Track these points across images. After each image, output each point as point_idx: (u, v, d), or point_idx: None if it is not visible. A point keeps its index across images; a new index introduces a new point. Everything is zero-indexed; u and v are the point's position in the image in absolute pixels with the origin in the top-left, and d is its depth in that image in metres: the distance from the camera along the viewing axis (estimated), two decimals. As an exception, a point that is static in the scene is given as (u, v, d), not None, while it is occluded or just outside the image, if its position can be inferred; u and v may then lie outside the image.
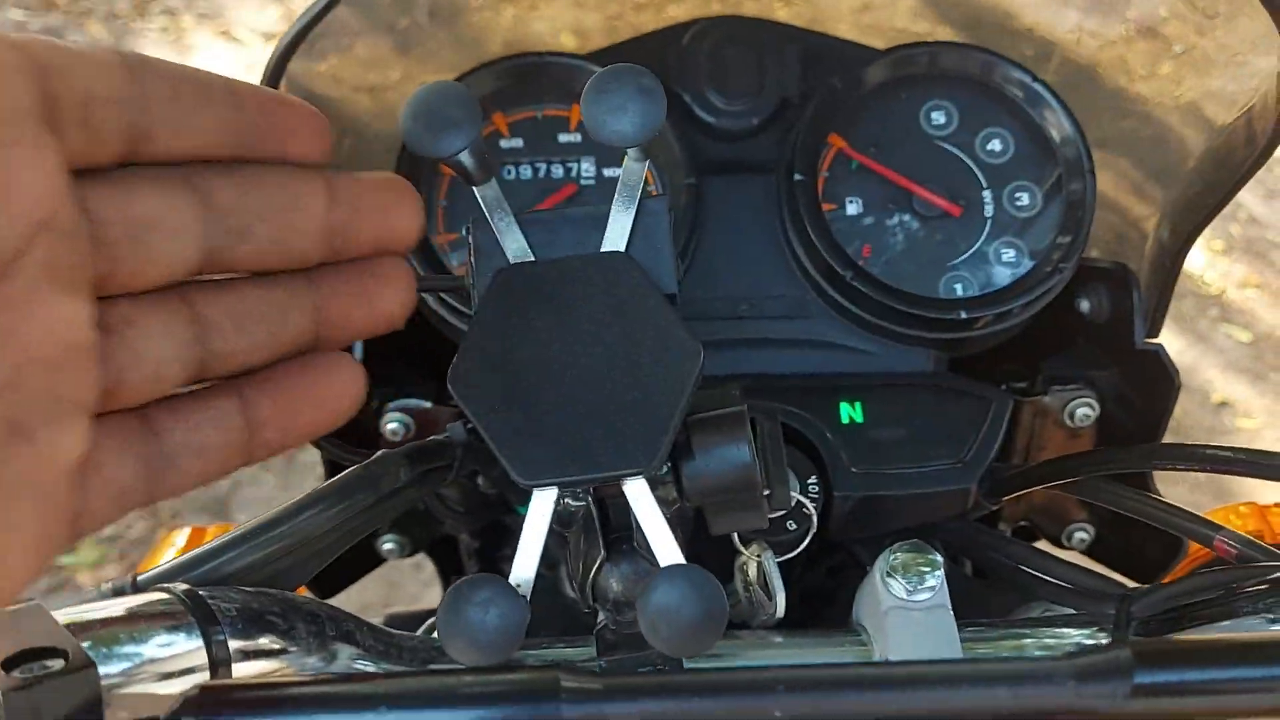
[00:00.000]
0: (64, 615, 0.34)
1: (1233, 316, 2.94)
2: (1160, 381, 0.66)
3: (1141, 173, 0.72)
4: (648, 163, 0.46)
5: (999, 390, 0.64)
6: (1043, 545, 0.80)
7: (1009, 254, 0.66)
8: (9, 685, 0.29)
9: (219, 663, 0.36)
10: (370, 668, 0.46)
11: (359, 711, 0.30)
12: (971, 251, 0.66)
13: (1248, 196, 3.27)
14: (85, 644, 0.34)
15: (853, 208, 0.67)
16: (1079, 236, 0.64)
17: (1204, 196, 0.64)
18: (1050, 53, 0.71)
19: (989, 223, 0.67)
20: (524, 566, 0.44)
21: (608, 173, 0.67)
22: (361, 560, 0.78)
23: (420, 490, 0.53)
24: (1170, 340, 2.66)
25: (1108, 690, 0.31)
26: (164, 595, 0.37)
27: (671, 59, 0.68)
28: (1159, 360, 0.66)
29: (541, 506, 0.44)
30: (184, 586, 0.38)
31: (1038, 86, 0.66)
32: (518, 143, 0.67)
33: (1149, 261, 0.69)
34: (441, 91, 0.42)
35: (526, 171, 0.67)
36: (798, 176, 0.65)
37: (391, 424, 0.69)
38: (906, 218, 0.67)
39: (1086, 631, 0.53)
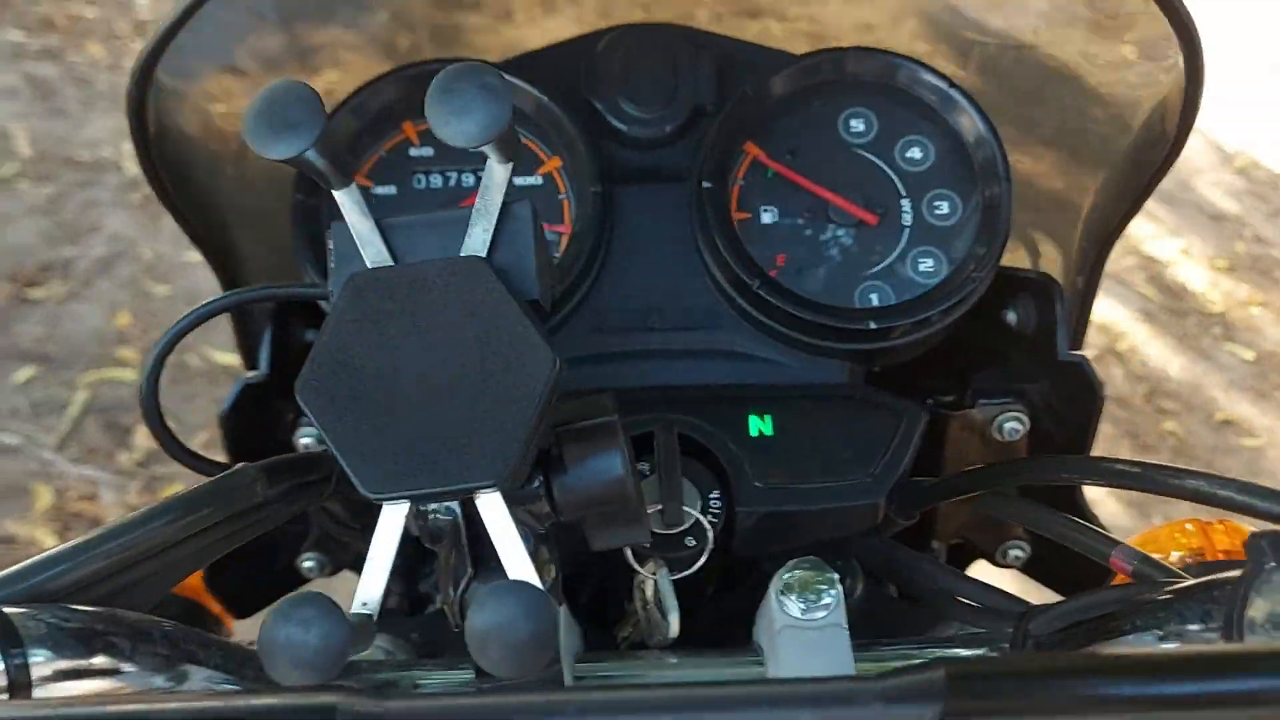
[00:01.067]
0: None
1: (1236, 335, 2.90)
2: (1084, 393, 0.64)
3: (1062, 181, 0.71)
4: (510, 166, 0.45)
5: (912, 404, 0.62)
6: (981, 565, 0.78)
7: (927, 263, 0.65)
8: None
9: (18, 686, 0.35)
10: (227, 687, 0.45)
11: None
12: (889, 261, 0.65)
13: (1252, 215, 3.24)
14: None
15: (768, 216, 0.66)
16: (995, 244, 0.63)
17: (1119, 202, 0.62)
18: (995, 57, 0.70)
19: (907, 231, 0.65)
20: (370, 586, 0.42)
21: (520, 181, 0.66)
22: (282, 579, 0.77)
23: (292, 506, 0.52)
24: (1173, 358, 2.62)
25: (915, 713, 0.30)
26: None
27: (584, 67, 0.67)
28: (1083, 372, 0.64)
29: (391, 521, 0.43)
30: None
31: (953, 92, 0.65)
32: (428, 151, 0.66)
33: (1071, 272, 0.67)
34: (284, 90, 0.41)
35: (437, 180, 0.66)
36: (706, 184, 0.63)
37: (305, 439, 0.68)
38: (822, 227, 0.65)
39: (986, 649, 0.52)
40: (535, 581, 0.42)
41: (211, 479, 0.48)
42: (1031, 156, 0.69)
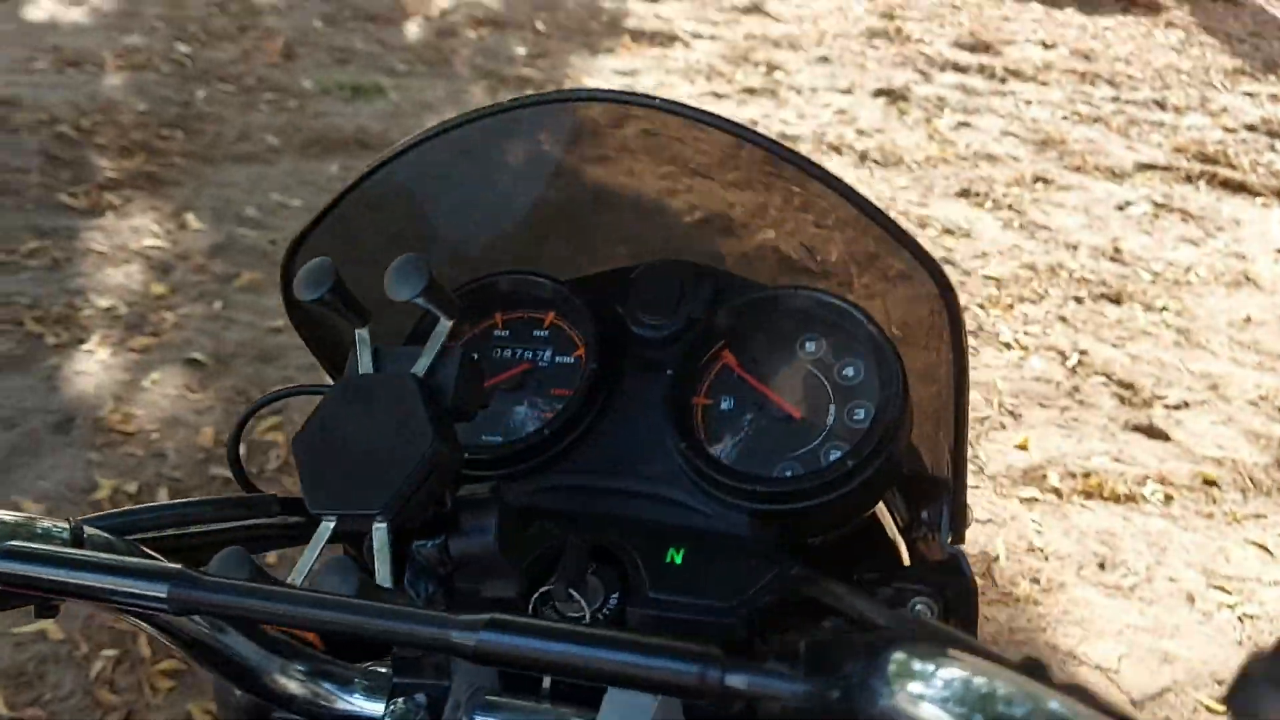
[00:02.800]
0: None
1: None
2: (962, 582, 0.75)
3: (938, 397, 0.83)
4: (450, 322, 0.71)
5: (788, 560, 0.77)
6: None
7: (836, 454, 0.80)
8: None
9: None
10: None
11: (56, 567, 0.55)
12: (807, 449, 0.81)
13: None
14: None
15: (725, 404, 0.85)
16: (870, 443, 0.78)
17: (951, 409, 0.75)
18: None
19: (826, 430, 0.82)
20: (299, 569, 0.66)
21: (558, 359, 0.91)
22: None
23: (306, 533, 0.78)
24: None
25: (461, 636, 0.49)
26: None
27: (619, 287, 0.92)
28: (957, 562, 0.75)
29: (324, 529, 0.67)
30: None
31: (872, 329, 0.82)
32: (506, 333, 0.93)
33: (949, 472, 0.79)
34: (314, 263, 0.70)
35: (507, 353, 0.93)
36: (669, 372, 0.84)
37: None
38: (762, 417, 0.83)
39: None
40: (388, 583, 0.64)
41: (242, 495, 0.76)
42: (923, 376, 0.83)
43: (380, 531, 0.65)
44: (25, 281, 3.40)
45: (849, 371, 0.83)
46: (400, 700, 0.69)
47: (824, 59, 6.35)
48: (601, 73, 5.57)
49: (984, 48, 6.88)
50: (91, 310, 3.35)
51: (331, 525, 0.67)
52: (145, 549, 0.69)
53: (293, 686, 0.70)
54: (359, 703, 0.71)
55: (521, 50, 5.65)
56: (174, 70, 4.72)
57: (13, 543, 0.56)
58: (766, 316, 0.87)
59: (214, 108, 4.52)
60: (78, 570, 0.54)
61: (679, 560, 0.78)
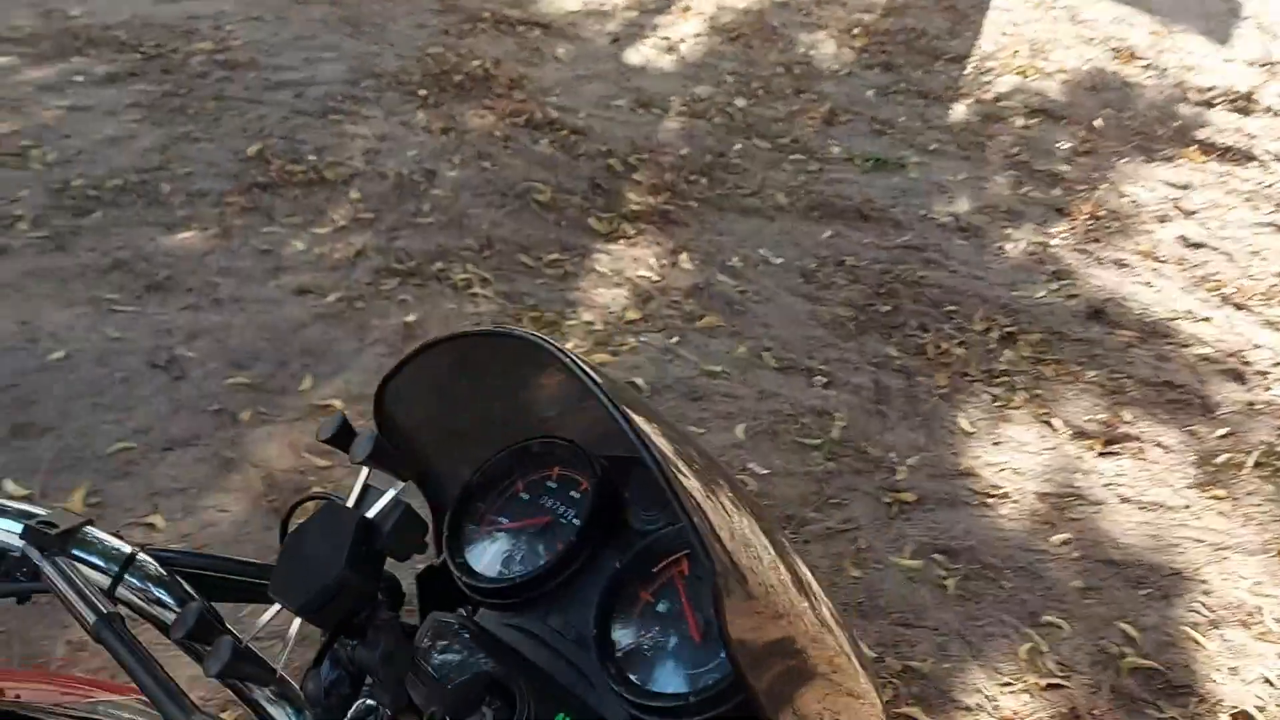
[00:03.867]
0: None
1: None
2: None
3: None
4: (401, 484, 0.90)
5: None
6: None
7: (709, 680, 0.86)
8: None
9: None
10: None
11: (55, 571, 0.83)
12: (694, 672, 0.88)
13: None
14: None
15: (661, 606, 0.94)
16: (728, 692, 0.83)
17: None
18: None
19: (715, 663, 0.88)
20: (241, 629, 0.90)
21: (573, 520, 1.05)
22: None
23: None
24: None
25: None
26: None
27: (627, 475, 1.03)
28: None
29: (274, 607, 0.90)
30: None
31: None
32: (555, 485, 1.09)
33: None
34: (331, 418, 0.93)
35: (546, 501, 1.07)
36: (616, 565, 0.95)
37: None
38: (680, 630, 0.91)
39: None
40: (281, 671, 0.85)
41: (260, 563, 1.01)
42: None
43: (295, 623, 0.87)
44: (537, 286, 4.07)
45: None
46: None
47: None
48: (1148, 181, 5.19)
49: None
50: (575, 321, 3.92)
51: (277, 607, 0.89)
52: (181, 580, 0.97)
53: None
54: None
55: (1066, 145, 5.44)
56: (724, 121, 5.25)
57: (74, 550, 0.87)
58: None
59: (742, 160, 4.97)
60: (66, 584, 0.83)
61: None
